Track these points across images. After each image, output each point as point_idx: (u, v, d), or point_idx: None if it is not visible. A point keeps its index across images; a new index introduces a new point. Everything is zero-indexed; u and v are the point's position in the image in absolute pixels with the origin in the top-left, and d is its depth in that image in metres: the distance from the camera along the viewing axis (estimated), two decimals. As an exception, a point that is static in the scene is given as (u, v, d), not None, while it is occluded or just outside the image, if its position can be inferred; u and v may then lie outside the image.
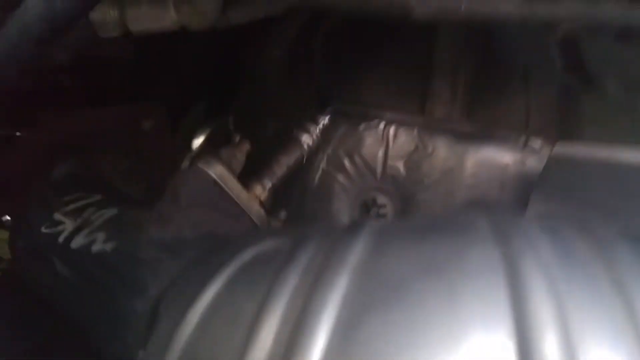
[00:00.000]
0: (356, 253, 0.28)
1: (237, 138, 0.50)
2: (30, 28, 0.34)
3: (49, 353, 0.52)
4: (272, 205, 0.58)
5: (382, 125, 0.63)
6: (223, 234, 0.45)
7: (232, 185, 0.47)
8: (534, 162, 0.59)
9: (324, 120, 0.59)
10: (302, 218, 0.65)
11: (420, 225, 0.31)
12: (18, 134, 0.89)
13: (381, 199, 0.64)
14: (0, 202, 0.65)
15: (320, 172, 0.66)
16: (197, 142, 0.92)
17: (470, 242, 0.27)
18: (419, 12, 0.35)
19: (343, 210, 0.65)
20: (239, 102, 0.80)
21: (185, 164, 0.97)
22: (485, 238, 0.27)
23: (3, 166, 0.63)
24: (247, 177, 0.54)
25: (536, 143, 0.59)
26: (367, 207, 0.64)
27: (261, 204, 0.51)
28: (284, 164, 0.54)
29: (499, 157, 0.61)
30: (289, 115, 0.69)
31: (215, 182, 0.47)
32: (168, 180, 0.49)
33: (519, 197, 0.60)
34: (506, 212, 0.32)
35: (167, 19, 0.43)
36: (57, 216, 0.50)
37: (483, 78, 0.63)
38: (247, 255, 0.34)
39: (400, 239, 0.29)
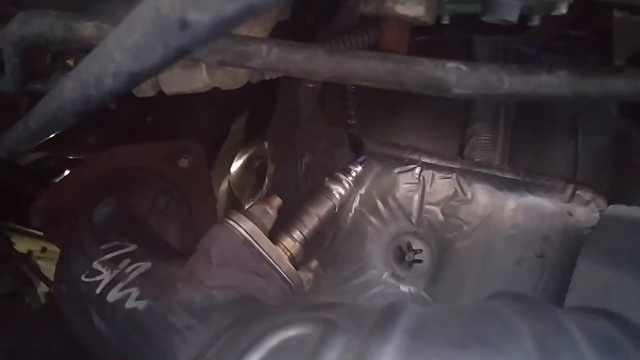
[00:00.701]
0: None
1: (266, 192, 0.49)
2: (66, 106, 0.35)
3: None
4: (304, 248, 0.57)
5: (418, 169, 0.61)
6: (253, 296, 0.45)
7: (263, 243, 0.47)
8: (583, 214, 0.55)
9: (356, 169, 0.57)
10: (333, 261, 0.64)
11: (457, 329, 0.29)
12: (70, 157, 0.93)
13: (417, 244, 0.62)
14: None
15: (353, 212, 0.64)
16: (236, 165, 0.92)
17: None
18: (457, 90, 0.33)
19: (376, 253, 0.64)
20: (273, 129, 0.80)
21: (224, 186, 0.98)
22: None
23: (59, 194, 0.66)
24: (278, 225, 0.54)
25: (586, 194, 0.55)
26: (402, 252, 0.63)
27: (292, 258, 0.50)
28: (314, 215, 0.53)
29: (543, 207, 0.57)
30: (320, 150, 0.68)
31: (245, 240, 0.47)
32: (200, 235, 0.49)
33: (564, 251, 0.56)
34: (550, 315, 0.30)
35: (199, 81, 0.43)
36: (96, 265, 0.51)
37: (526, 122, 0.59)
38: (273, 341, 0.34)
39: (434, 351, 0.27)
